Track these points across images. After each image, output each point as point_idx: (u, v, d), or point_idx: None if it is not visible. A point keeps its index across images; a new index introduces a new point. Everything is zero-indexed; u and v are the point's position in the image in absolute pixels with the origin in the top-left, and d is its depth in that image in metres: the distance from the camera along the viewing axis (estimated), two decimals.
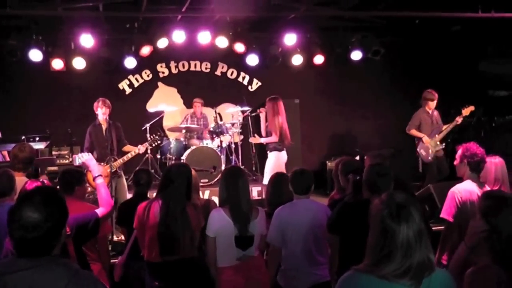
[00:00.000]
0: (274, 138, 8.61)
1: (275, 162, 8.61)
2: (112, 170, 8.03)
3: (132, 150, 8.34)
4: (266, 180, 8.28)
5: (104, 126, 8.32)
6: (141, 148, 8.40)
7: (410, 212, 2.55)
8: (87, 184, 5.97)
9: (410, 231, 2.50)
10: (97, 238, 4.66)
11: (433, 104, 9.48)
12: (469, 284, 2.88)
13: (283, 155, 8.70)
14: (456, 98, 11.41)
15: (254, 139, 9.11)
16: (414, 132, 9.49)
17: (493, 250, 2.94)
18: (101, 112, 8.26)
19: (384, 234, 2.53)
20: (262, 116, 9.02)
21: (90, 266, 4.39)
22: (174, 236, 4.51)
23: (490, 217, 3.01)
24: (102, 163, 7.94)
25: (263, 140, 8.84)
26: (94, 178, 4.59)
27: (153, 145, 8.81)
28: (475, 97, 11.40)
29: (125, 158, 8.25)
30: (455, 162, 5.27)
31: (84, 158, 4.82)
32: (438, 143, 9.35)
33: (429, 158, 9.33)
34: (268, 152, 8.80)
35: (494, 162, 5.34)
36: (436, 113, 9.54)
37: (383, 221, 2.55)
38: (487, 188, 5.00)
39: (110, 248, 6.72)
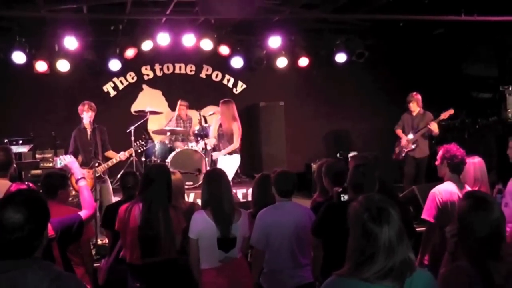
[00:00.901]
0: (235, 145, 8.88)
1: (237, 165, 9.01)
2: (97, 175, 7.92)
3: (115, 157, 8.33)
4: None
5: (88, 130, 8.27)
6: (125, 155, 8.40)
7: (390, 213, 2.57)
8: (71, 188, 5.95)
9: (392, 232, 2.52)
10: (81, 241, 4.64)
11: (412, 106, 9.61)
12: (442, 284, 2.89)
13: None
14: (440, 100, 11.48)
15: (218, 154, 9.16)
16: (397, 132, 9.84)
17: (467, 250, 2.97)
18: (87, 116, 8.21)
19: (366, 236, 2.54)
20: (216, 118, 9.13)
21: (74, 270, 4.38)
22: (155, 237, 4.56)
23: (465, 217, 3.03)
24: (87, 168, 7.91)
25: (226, 151, 8.98)
26: (77, 181, 4.59)
27: (139, 151, 8.80)
28: (458, 99, 11.49)
29: (110, 163, 8.25)
30: (436, 163, 5.33)
31: (66, 160, 4.82)
32: (408, 141, 9.55)
33: (400, 156, 9.71)
34: (226, 154, 8.99)
35: (473, 163, 5.42)
36: (420, 115, 9.63)
37: (364, 224, 2.56)
38: (468, 188, 5.04)
39: (94, 252, 6.71)
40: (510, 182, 5.35)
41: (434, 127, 9.27)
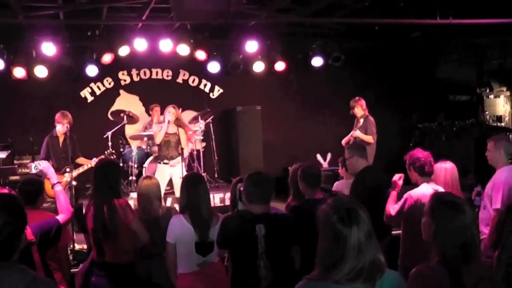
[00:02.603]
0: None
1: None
2: (67, 180, 8.11)
3: (87, 163, 8.43)
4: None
5: (61, 139, 8.44)
6: (96, 161, 8.43)
7: (359, 213, 2.59)
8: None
9: (361, 233, 2.54)
10: (58, 246, 4.67)
11: (357, 110, 9.43)
12: (411, 284, 2.92)
13: None
14: (417, 103, 11.68)
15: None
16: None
17: (439, 252, 2.98)
18: (62, 127, 8.38)
19: (336, 238, 2.56)
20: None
21: (53, 275, 4.39)
22: (105, 233, 4.74)
23: (435, 219, 3.02)
24: (58, 174, 7.96)
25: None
26: (52, 186, 4.62)
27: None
28: (436, 102, 11.66)
29: (81, 169, 8.38)
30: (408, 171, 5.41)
31: (41, 165, 4.84)
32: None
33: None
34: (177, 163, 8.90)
35: (445, 167, 5.44)
36: (361, 120, 9.29)
37: (333, 225, 2.57)
38: (442, 190, 5.04)
39: (71, 257, 6.74)
40: (488, 185, 5.45)
41: (357, 133, 9.07)
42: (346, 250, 2.53)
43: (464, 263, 2.90)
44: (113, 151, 8.83)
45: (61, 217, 4.40)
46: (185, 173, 8.54)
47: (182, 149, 8.84)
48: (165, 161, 8.86)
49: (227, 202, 7.40)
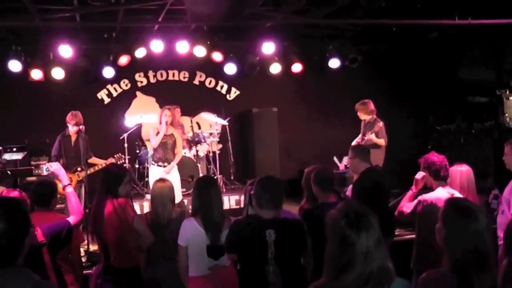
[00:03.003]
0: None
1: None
2: (79, 179, 8.30)
3: (100, 163, 8.55)
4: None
5: (73, 138, 8.55)
6: (107, 163, 8.56)
7: (369, 219, 2.57)
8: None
9: (370, 239, 2.52)
10: (70, 248, 4.70)
11: (360, 114, 9.42)
12: None
13: None
14: (435, 104, 11.54)
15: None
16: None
17: (451, 258, 2.92)
18: (73, 128, 8.47)
19: (344, 243, 2.53)
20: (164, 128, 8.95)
21: (64, 276, 4.41)
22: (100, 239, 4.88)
23: (448, 225, 2.96)
24: (69, 172, 8.13)
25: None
26: (64, 187, 4.67)
27: (119, 162, 8.87)
28: (454, 104, 11.52)
29: (92, 169, 8.44)
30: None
31: (53, 167, 4.88)
32: None
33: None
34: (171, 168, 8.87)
35: (460, 170, 5.40)
36: (370, 123, 9.27)
37: (342, 230, 2.55)
38: (457, 195, 5.01)
39: (85, 259, 6.82)
40: (506, 189, 5.33)
41: (371, 137, 8.93)
42: (354, 255, 2.50)
43: (476, 270, 2.82)
44: (123, 156, 8.84)
45: (72, 219, 4.44)
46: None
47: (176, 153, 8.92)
48: (160, 163, 8.84)
49: (243, 205, 7.37)
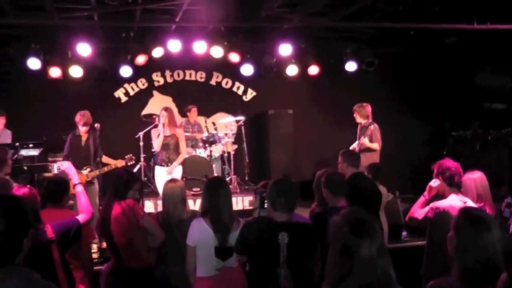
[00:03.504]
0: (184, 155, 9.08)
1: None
2: (88, 179, 8.37)
3: (111, 164, 8.61)
4: None
5: (83, 138, 8.63)
6: (117, 164, 8.65)
7: (372, 226, 2.54)
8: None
9: (373, 246, 2.49)
10: (81, 245, 4.77)
11: (356, 117, 9.44)
12: None
13: None
14: (452, 110, 11.47)
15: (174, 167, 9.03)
16: None
17: (459, 268, 2.87)
18: (84, 128, 8.57)
19: (346, 251, 2.51)
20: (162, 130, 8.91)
21: (73, 274, 4.47)
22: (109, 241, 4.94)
23: (460, 234, 2.91)
24: (78, 172, 8.19)
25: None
26: (74, 186, 4.76)
27: (129, 164, 8.95)
28: (470, 110, 11.43)
29: (105, 169, 8.53)
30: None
31: (64, 166, 4.97)
32: None
33: None
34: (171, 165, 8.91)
35: (473, 178, 5.26)
36: (364, 127, 9.27)
37: (344, 237, 2.53)
38: (470, 203, 4.93)
39: (98, 255, 6.93)
40: None
41: (364, 141, 8.98)
42: (355, 263, 2.48)
43: (486, 282, 2.77)
44: (133, 157, 8.92)
45: (81, 217, 4.52)
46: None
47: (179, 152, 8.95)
48: (163, 164, 8.89)
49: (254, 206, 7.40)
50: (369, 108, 9.35)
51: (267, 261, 3.98)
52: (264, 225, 4.07)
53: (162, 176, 8.81)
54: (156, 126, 9.34)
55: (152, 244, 5.04)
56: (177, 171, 8.90)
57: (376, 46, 11.75)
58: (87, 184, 8.36)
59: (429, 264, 5.15)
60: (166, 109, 8.91)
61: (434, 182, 5.21)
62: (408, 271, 5.23)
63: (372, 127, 9.06)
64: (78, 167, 8.23)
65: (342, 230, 2.55)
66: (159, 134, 8.85)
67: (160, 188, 8.53)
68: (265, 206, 4.35)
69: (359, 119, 9.37)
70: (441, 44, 11.63)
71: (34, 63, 10.29)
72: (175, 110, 11.93)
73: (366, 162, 8.50)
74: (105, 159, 8.73)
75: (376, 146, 9.04)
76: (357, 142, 9.16)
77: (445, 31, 10.57)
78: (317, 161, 11.64)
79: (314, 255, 4.23)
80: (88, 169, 8.41)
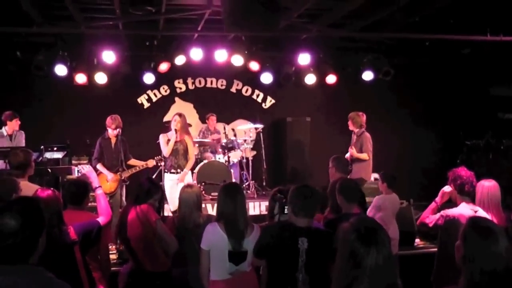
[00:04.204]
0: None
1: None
2: (122, 178, 8.69)
3: (139, 165, 8.83)
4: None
5: (113, 141, 8.85)
6: (152, 162, 8.85)
7: (379, 235, 2.55)
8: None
9: (379, 255, 2.48)
10: (99, 247, 4.94)
11: (349, 125, 9.44)
12: None
13: None
14: (466, 119, 11.54)
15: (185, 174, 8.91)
16: None
17: (466, 278, 2.85)
18: (113, 131, 8.75)
19: (352, 258, 2.51)
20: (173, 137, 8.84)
21: (92, 273, 4.64)
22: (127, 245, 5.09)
23: (468, 245, 2.89)
24: (112, 172, 8.65)
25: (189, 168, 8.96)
26: (94, 189, 4.99)
27: (159, 164, 9.05)
28: (484, 119, 11.49)
29: (133, 170, 8.77)
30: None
31: (84, 169, 5.20)
32: None
33: None
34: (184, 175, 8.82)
35: (487, 186, 5.20)
36: (357, 136, 9.32)
37: (351, 244, 2.52)
38: (480, 212, 4.95)
39: (116, 256, 7.13)
40: None
41: (351, 152, 8.98)
42: (361, 271, 2.48)
43: None
44: (162, 158, 8.97)
45: (101, 219, 4.73)
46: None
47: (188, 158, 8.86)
48: (172, 170, 8.82)
49: (268, 211, 7.49)
50: (364, 118, 9.39)
51: (286, 265, 4.07)
52: (285, 229, 4.15)
53: (170, 182, 8.78)
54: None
55: (166, 250, 5.13)
56: (187, 178, 8.87)
57: (392, 56, 11.84)
58: (120, 185, 8.70)
59: (439, 271, 5.16)
60: (180, 114, 8.85)
61: (447, 188, 5.26)
62: (419, 277, 5.42)
63: (362, 137, 9.13)
64: (110, 168, 8.64)
65: (349, 238, 2.55)
66: (168, 140, 8.81)
67: (168, 194, 8.57)
68: (286, 212, 4.46)
69: (351, 127, 9.41)
70: (456, 54, 11.71)
71: (61, 70, 10.64)
72: (195, 117, 12.28)
73: (357, 172, 8.77)
74: (133, 161, 8.95)
75: (365, 156, 9.03)
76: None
77: (460, 42, 10.67)
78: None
79: (332, 261, 4.35)
80: (121, 169, 8.67)
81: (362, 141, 9.10)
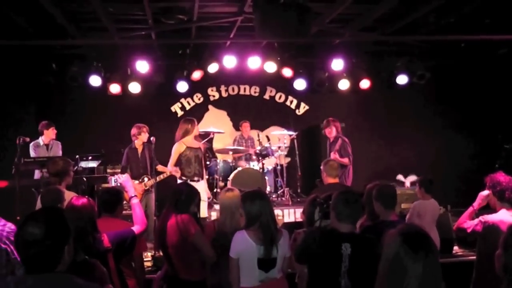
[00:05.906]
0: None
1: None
2: (146, 188, 8.85)
3: (166, 171, 8.83)
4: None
5: (139, 150, 9.12)
6: (178, 171, 8.72)
7: (428, 244, 2.53)
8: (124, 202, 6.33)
9: (426, 264, 2.46)
10: (133, 255, 4.96)
11: (326, 131, 9.66)
12: None
13: None
14: (504, 122, 11.29)
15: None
16: None
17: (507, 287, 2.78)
18: (138, 140, 9.07)
19: (398, 266, 2.50)
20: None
21: (127, 281, 4.69)
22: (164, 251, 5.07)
23: (509, 254, 2.85)
24: (137, 181, 8.77)
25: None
26: (130, 198, 5.02)
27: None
28: None
29: (158, 178, 8.82)
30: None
31: (121, 179, 5.23)
32: None
33: None
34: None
35: None
36: (333, 142, 9.55)
37: (398, 252, 2.51)
38: None
39: (151, 263, 7.18)
40: None
41: (334, 157, 9.01)
42: (406, 279, 2.46)
43: None
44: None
45: (136, 228, 4.76)
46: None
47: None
48: (195, 178, 8.65)
49: (304, 217, 7.43)
50: (337, 124, 9.68)
51: (328, 271, 4.06)
52: (328, 235, 4.14)
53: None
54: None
55: (204, 260, 5.10)
56: (200, 186, 8.20)
57: (427, 59, 11.68)
58: (146, 193, 8.87)
59: (478, 279, 5.08)
60: (193, 120, 9.13)
61: (485, 192, 5.16)
62: (459, 286, 5.28)
63: (340, 141, 9.26)
64: (137, 177, 8.80)
65: (396, 245, 2.53)
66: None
67: None
68: (326, 217, 4.42)
69: (328, 133, 9.65)
70: (492, 55, 11.46)
71: (95, 81, 10.84)
72: (229, 124, 12.31)
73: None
74: (160, 167, 9.05)
75: (346, 160, 9.20)
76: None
77: (496, 42, 10.47)
78: (368, 174, 11.68)
79: (375, 267, 4.30)
80: (146, 179, 8.86)
81: (340, 146, 9.32)
